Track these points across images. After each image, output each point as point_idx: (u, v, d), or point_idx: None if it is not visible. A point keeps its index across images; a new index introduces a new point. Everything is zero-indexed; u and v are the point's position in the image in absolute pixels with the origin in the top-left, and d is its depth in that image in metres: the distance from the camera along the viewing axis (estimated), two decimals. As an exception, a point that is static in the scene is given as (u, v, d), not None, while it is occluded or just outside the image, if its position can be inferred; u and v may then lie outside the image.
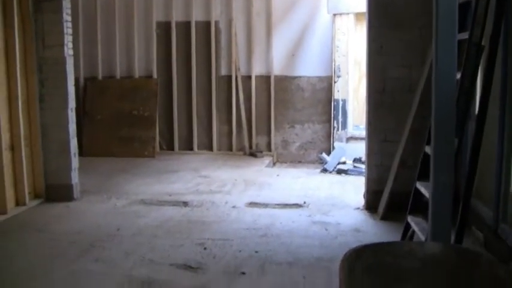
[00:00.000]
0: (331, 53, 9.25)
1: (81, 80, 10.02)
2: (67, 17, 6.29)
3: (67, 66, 6.35)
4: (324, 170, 8.10)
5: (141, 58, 9.94)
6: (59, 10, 6.20)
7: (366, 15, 6.02)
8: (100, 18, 9.92)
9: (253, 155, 9.48)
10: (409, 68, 5.91)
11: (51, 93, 6.37)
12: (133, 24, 9.82)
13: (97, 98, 9.88)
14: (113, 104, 9.78)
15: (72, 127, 6.49)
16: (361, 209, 6.12)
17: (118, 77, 9.98)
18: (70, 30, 6.38)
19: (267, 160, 9.14)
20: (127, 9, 9.89)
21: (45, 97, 6.38)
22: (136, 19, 9.82)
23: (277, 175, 7.95)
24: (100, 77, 10.02)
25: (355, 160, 8.16)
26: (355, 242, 4.86)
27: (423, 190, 4.58)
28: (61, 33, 6.23)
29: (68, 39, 6.32)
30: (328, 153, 9.20)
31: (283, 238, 5.15)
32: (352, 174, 7.84)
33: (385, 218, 5.70)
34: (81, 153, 9.37)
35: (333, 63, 8.98)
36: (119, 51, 9.94)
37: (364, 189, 6.28)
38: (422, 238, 4.29)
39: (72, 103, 6.51)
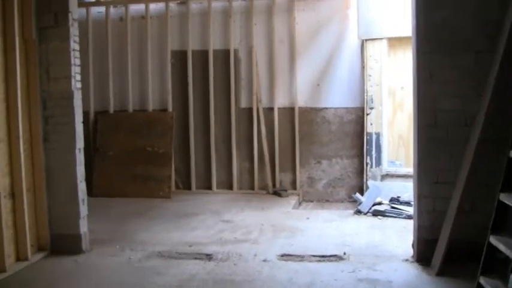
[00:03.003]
0: (360, 82, 8.54)
1: (91, 114, 9.36)
2: (75, 45, 5.60)
3: (75, 100, 5.64)
4: (358, 212, 7.30)
5: (155, 90, 9.28)
6: (66, 37, 5.51)
7: (413, 39, 5.27)
8: (111, 48, 9.29)
9: (277, 194, 8.72)
10: (463, 98, 5.15)
11: (57, 132, 5.65)
12: (147, 54, 9.18)
13: (108, 133, 9.19)
14: (125, 140, 9.08)
15: (81, 170, 5.76)
16: (411, 261, 5.31)
17: (131, 110, 9.30)
18: (78, 61, 5.69)
19: (292, 200, 8.36)
20: (140, 38, 9.26)
21: (50, 136, 5.66)
22: (150, 48, 9.18)
23: (307, 218, 7.16)
24: (111, 110, 9.35)
25: (393, 200, 7.37)
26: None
27: (501, 247, 3.80)
28: (68, 64, 5.53)
29: (76, 71, 5.63)
30: (360, 191, 8.43)
31: (328, 302, 4.35)
32: (391, 216, 7.04)
33: (442, 273, 4.88)
34: (91, 193, 8.72)
35: (365, 94, 8.24)
36: (131, 82, 9.28)
37: (412, 237, 5.48)
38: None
39: (80, 143, 5.79)
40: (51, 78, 5.58)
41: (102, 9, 9.31)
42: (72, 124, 5.66)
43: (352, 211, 7.48)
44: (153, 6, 9.20)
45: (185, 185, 9.27)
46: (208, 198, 8.66)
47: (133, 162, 8.98)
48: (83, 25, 9.25)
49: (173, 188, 9.17)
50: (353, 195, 7.81)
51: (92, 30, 9.34)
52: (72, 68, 5.55)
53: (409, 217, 6.81)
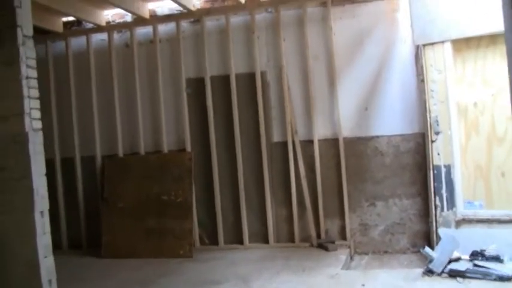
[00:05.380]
0: (418, 101, 6.82)
1: (98, 159, 7.92)
2: (29, 71, 4.14)
3: (31, 145, 4.15)
4: (429, 272, 5.50)
5: (169, 126, 7.78)
6: (12, 61, 4.04)
7: (509, 34, 3.56)
8: (117, 79, 7.86)
9: (323, 247, 6.99)
10: None
11: (9, 190, 4.15)
12: (158, 84, 7.69)
13: (117, 180, 7.70)
14: (137, 188, 7.57)
15: (44, 241, 4.22)
16: None
17: (142, 152, 7.80)
18: (35, 92, 4.21)
19: (343, 255, 6.61)
20: (149, 65, 7.82)
21: (1, 195, 4.16)
22: (161, 77, 7.70)
23: (363, 285, 5.40)
24: (121, 153, 7.87)
25: (475, 255, 5.55)
26: None
27: None
28: (18, 97, 4.05)
29: (32, 105, 4.14)
30: (426, 240, 6.66)
31: None
32: (475, 278, 5.23)
33: None
34: (99, 254, 7.25)
35: (428, 115, 6.45)
36: (141, 119, 7.81)
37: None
38: None
39: (42, 204, 4.27)
40: (-1, 117, 4.10)
41: (105, 35, 7.91)
42: (29, 178, 4.13)
43: (420, 270, 5.68)
44: (162, 28, 7.75)
45: (211, 238, 7.65)
46: (238, 256, 7.01)
47: (148, 214, 7.45)
48: (84, 55, 7.91)
49: (197, 243, 7.58)
50: (421, 251, 5.98)
51: (94, 60, 7.95)
52: (25, 101, 4.06)
53: (500, 278, 5.02)
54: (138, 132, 7.78)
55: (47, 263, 4.20)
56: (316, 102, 7.23)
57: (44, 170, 4.33)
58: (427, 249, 5.83)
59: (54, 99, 8.13)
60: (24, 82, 4.09)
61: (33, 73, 4.20)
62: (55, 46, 8.19)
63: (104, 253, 7.45)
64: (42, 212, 4.22)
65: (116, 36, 7.94)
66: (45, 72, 8.02)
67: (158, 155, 7.71)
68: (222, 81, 7.54)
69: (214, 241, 7.62)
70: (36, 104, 4.22)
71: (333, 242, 7.01)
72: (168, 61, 7.76)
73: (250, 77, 7.42)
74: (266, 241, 7.42)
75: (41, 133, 4.30)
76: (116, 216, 7.57)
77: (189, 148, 7.62)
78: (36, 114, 4.23)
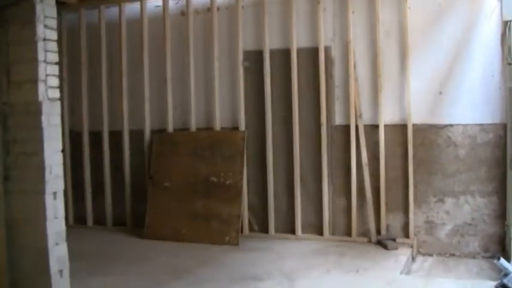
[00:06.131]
0: (503, 87, 5.99)
1: (147, 134, 7.47)
2: (47, 32, 3.64)
3: (44, 117, 3.66)
4: (503, 287, 4.73)
5: (223, 102, 7.22)
6: (29, 19, 3.53)
7: None
8: (170, 49, 7.34)
9: (382, 244, 6.30)
10: None
11: (22, 166, 3.68)
12: (213, 56, 7.13)
13: (165, 158, 7.22)
14: (185, 167, 7.08)
15: (56, 226, 3.75)
16: None
17: (193, 128, 7.28)
18: (54, 56, 3.71)
19: (403, 256, 5.90)
20: (205, 36, 7.27)
21: (11, 172, 3.72)
22: (216, 49, 7.12)
23: (424, 294, 4.72)
24: (171, 128, 7.38)
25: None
26: None
27: None
28: (34, 61, 3.54)
29: (49, 71, 3.64)
30: (501, 245, 5.87)
31: None
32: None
33: None
34: (142, 234, 6.85)
35: (512, 103, 5.65)
36: (194, 92, 7.27)
37: None
38: None
39: (55, 183, 3.80)
40: (13, 83, 3.61)
41: (160, 1, 7.38)
42: (41, 154, 3.64)
43: (493, 283, 4.91)
44: (221, -5, 7.18)
45: (261, 226, 7.09)
46: (287, 247, 6.42)
47: (194, 195, 6.95)
48: (137, 23, 7.43)
49: (246, 230, 7.03)
50: (495, 262, 5.17)
51: (147, 28, 7.45)
52: (41, 67, 3.56)
53: None
54: (190, 106, 7.26)
55: (58, 251, 3.73)
56: (385, 83, 6.50)
57: (59, 146, 3.85)
58: (503, 261, 5.02)
59: (104, 69, 7.71)
60: (40, 44, 3.59)
61: (52, 34, 3.70)
62: (108, 12, 7.74)
63: (147, 234, 7.02)
64: (55, 193, 3.75)
65: (171, 2, 7.40)
66: (97, 40, 7.64)
67: (209, 132, 7.17)
68: (282, 56, 6.90)
69: (264, 228, 7.05)
70: (54, 70, 3.72)
71: (394, 240, 6.31)
72: (226, 31, 7.18)
73: (313, 52, 6.74)
74: (320, 233, 6.79)
75: (58, 103, 3.81)
76: (161, 196, 7.11)
77: (242, 127, 7.05)
78: (54, 81, 3.73)
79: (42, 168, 3.68)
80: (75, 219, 7.99)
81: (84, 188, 7.87)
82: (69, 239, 7.11)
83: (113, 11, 7.69)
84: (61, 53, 7.77)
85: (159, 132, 7.41)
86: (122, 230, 7.51)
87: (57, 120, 3.80)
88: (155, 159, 7.27)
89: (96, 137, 7.82)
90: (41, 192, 3.68)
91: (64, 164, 7.63)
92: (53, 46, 3.72)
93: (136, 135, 7.59)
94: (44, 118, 3.65)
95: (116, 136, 7.71)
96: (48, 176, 3.70)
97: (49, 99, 3.67)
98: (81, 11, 7.76)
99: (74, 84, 7.90)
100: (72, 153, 7.97)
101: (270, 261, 5.81)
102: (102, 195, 7.77)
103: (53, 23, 3.71)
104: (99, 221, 7.85)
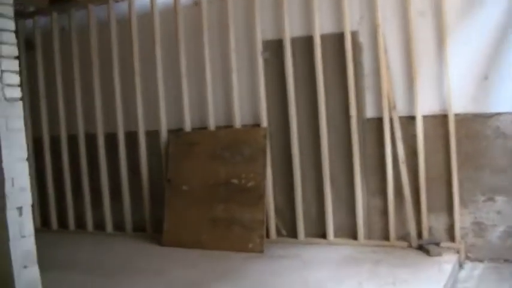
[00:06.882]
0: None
1: (163, 134, 6.93)
2: (1, 20, 3.03)
3: (1, 121, 3.08)
4: None
5: (243, 98, 6.62)
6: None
7: None
8: (184, 42, 6.77)
9: (424, 249, 5.61)
10: None
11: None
12: (229, 48, 6.52)
13: (183, 159, 6.68)
14: (203, 169, 6.51)
15: (23, 247, 3.21)
16: None
17: (212, 127, 6.70)
18: (10, 49, 3.12)
19: (448, 264, 5.19)
20: (220, 25, 6.65)
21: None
22: (233, 40, 6.51)
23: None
24: (188, 128, 6.83)
25: None
26: None
27: None
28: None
29: (4, 67, 3.07)
30: None
31: None
32: None
33: None
34: (161, 241, 6.43)
35: None
36: (211, 88, 6.69)
37: None
38: None
39: (20, 196, 3.21)
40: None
41: (171, -8, 6.82)
42: (-2, 163, 3.10)
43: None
44: (235, -20, 6.54)
45: (289, 230, 6.48)
46: (317, 253, 5.80)
47: (214, 199, 6.39)
48: (147, 17, 6.88)
49: (274, 235, 6.44)
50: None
51: (159, 22, 6.90)
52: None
53: None
54: (207, 103, 6.68)
55: (26, 276, 3.17)
56: (421, 70, 5.77)
57: (23, 154, 3.30)
58: None
59: (116, 67, 7.19)
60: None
61: (8, 24, 3.13)
62: (118, 7, 7.21)
63: (165, 241, 6.51)
64: (20, 209, 3.19)
65: (182, -7, 6.84)
66: (107, 36, 7.15)
67: (228, 130, 6.58)
68: (305, 44, 6.25)
69: (292, 233, 6.44)
70: (12, 65, 3.16)
71: (437, 244, 5.61)
72: (242, 20, 6.55)
73: (339, 38, 6.06)
74: (354, 237, 6.13)
75: (19, 104, 3.23)
76: (180, 200, 6.57)
77: (264, 123, 6.43)
78: (12, 79, 3.15)
79: (1, 181, 3.14)
80: (95, 226, 7.55)
81: (101, 193, 7.40)
82: (83, 246, 6.74)
83: (123, 5, 7.15)
84: (71, 53, 7.43)
85: (176, 132, 6.86)
86: (141, 236, 7.03)
87: (18, 124, 3.25)
88: (172, 161, 6.72)
89: (111, 139, 7.33)
90: (1, 208, 3.14)
91: (80, 168, 7.42)
92: (10, 37, 3.16)
93: (153, 135, 7.07)
94: (1, 122, 3.10)
95: (131, 137, 7.20)
96: (9, 189, 3.17)
97: (6, 99, 3.12)
98: (89, 7, 7.26)
99: (86, 84, 7.42)
100: (88, 157, 7.50)
101: (295, 272, 5.20)
102: (120, 200, 7.29)
103: (9, 10, 3.16)
104: (118, 226, 7.38)
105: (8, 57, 3.15)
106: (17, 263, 3.21)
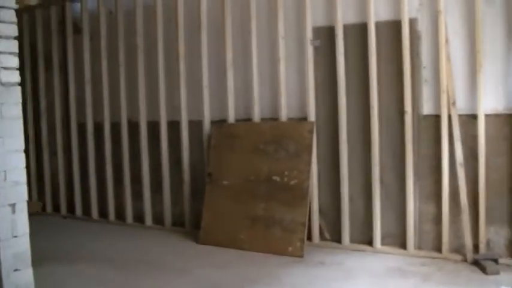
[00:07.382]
0: None
1: (206, 125, 6.58)
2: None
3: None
4: None
5: (290, 88, 6.18)
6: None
7: None
8: (231, 27, 6.38)
9: (479, 265, 5.02)
10: None
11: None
12: (278, 34, 6.09)
13: (224, 152, 6.31)
14: (245, 163, 6.13)
15: (14, 247, 2.91)
16: None
17: (257, 119, 6.30)
18: (10, 28, 2.82)
19: (506, 287, 4.59)
20: (268, 13, 6.23)
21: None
22: (281, 27, 6.08)
23: None
24: (232, 119, 6.45)
25: None
26: None
27: None
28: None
29: (2, 48, 2.75)
30: None
31: None
32: None
33: None
34: (198, 238, 6.13)
35: None
36: (257, 78, 6.29)
37: None
38: None
39: (14, 193, 2.90)
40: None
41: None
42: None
43: None
44: (286, -38, 6.10)
45: (333, 234, 6.01)
46: (360, 262, 5.32)
47: (254, 197, 5.99)
48: (194, 1, 6.55)
49: (316, 238, 5.99)
50: None
51: (206, 6, 6.55)
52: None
53: None
54: (252, 94, 6.28)
55: (17, 279, 2.86)
56: (485, 63, 5.17)
57: (20, 145, 2.96)
58: None
59: (161, 52, 6.90)
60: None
61: (8, 1, 2.79)
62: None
63: (202, 238, 6.17)
64: (13, 206, 2.87)
65: (231, -24, 6.46)
66: (153, 22, 6.86)
67: (273, 123, 6.16)
68: (358, 32, 5.75)
69: (337, 237, 5.97)
70: (11, 46, 2.84)
71: (496, 261, 5.00)
72: (292, 4, 6.12)
73: (395, 26, 5.53)
74: (403, 245, 5.60)
75: (16, 89, 2.91)
76: (219, 196, 6.21)
77: (312, 117, 5.97)
78: (10, 61, 2.83)
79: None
80: (134, 218, 7.30)
81: (142, 184, 7.14)
82: (120, 241, 6.47)
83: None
84: (117, 38, 7.19)
85: (218, 124, 6.50)
86: (179, 232, 6.73)
87: (16, 111, 2.94)
88: (213, 153, 6.37)
89: (153, 128, 7.05)
90: (-2, 204, 2.85)
91: (122, 156, 7.18)
92: (9, 15, 2.85)
93: (196, 126, 6.74)
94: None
95: (174, 127, 6.89)
96: (1, 183, 2.85)
97: (2, 83, 2.81)
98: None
99: (130, 70, 7.17)
100: (130, 146, 7.26)
101: (334, 282, 4.74)
102: (160, 193, 7.01)
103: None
104: (158, 220, 7.10)
105: (7, 37, 2.84)
106: (7, 266, 2.90)
